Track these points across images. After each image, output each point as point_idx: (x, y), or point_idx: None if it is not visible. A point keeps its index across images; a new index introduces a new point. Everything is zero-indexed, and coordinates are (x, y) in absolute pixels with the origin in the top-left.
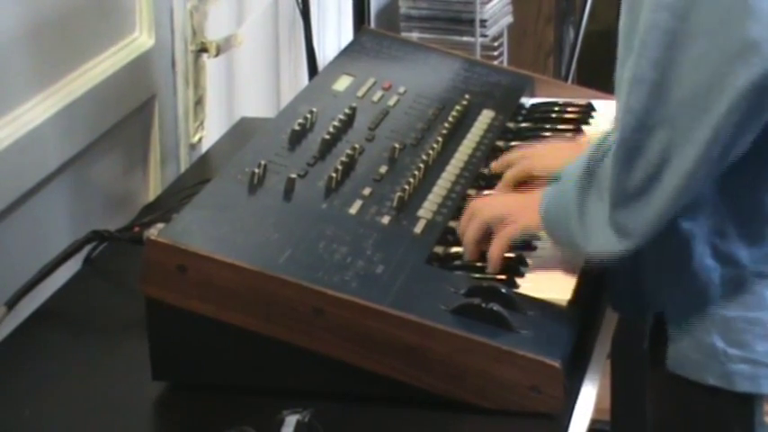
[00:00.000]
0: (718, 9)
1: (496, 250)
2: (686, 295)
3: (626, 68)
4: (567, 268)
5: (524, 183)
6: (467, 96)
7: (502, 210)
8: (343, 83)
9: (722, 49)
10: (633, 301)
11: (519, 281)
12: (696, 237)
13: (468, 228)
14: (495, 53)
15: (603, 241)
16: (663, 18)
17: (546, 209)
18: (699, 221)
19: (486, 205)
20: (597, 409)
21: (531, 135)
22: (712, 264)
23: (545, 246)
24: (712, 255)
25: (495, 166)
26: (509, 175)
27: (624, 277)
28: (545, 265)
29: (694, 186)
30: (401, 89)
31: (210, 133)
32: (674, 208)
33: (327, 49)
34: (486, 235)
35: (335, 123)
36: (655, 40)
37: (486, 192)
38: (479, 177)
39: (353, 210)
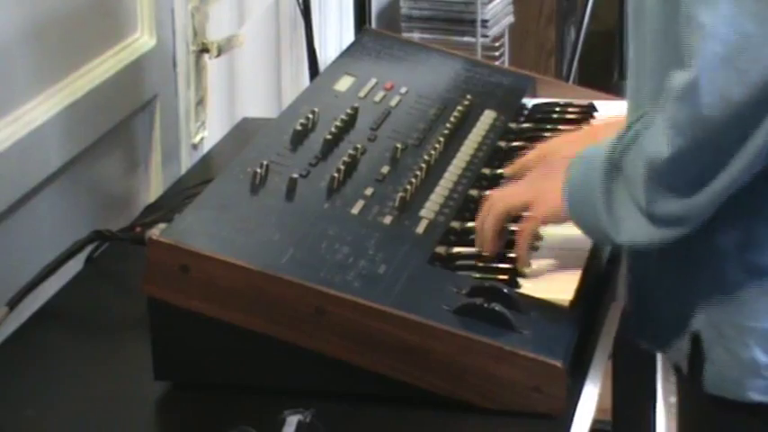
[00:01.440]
0: (757, 27)
1: (523, 247)
2: (721, 312)
3: (668, 84)
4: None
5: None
6: (468, 97)
7: (521, 198)
8: (344, 83)
9: (765, 65)
10: (654, 329)
11: (521, 281)
12: (727, 251)
13: (487, 220)
14: (497, 53)
15: (636, 230)
16: (702, 38)
17: (570, 200)
18: (728, 236)
19: (502, 197)
20: (599, 410)
21: (533, 135)
22: (745, 277)
23: (547, 246)
24: (744, 268)
25: (510, 170)
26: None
27: (644, 305)
28: (548, 265)
29: (740, 183)
30: (403, 89)
31: (212, 133)
32: (719, 202)
33: (329, 50)
34: (505, 227)
35: (337, 123)
36: (694, 62)
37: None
38: (481, 177)
39: (355, 210)
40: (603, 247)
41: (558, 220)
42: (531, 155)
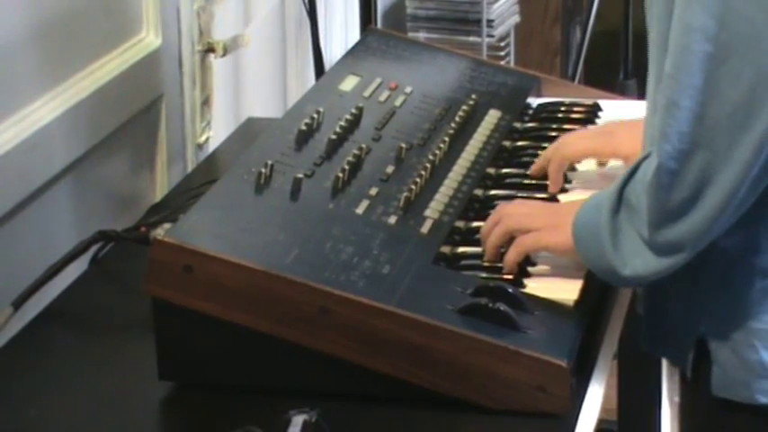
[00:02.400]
0: (748, 27)
1: (512, 258)
2: (727, 315)
3: (659, 93)
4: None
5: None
6: (473, 96)
7: (530, 224)
8: (349, 83)
9: (757, 66)
10: (661, 335)
11: (526, 281)
12: (733, 254)
13: (493, 233)
14: (502, 53)
15: (641, 264)
16: (694, 41)
17: (578, 236)
18: (734, 239)
19: (516, 215)
20: (604, 409)
21: (538, 135)
22: (751, 279)
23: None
24: (749, 270)
25: (534, 170)
26: (553, 173)
27: (652, 311)
28: (552, 265)
29: (737, 203)
30: (408, 89)
31: (217, 133)
32: (716, 224)
33: (334, 50)
34: (509, 241)
35: (342, 123)
36: (687, 63)
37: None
38: (486, 177)
39: (360, 210)
40: (612, 284)
41: (561, 252)
42: (548, 150)
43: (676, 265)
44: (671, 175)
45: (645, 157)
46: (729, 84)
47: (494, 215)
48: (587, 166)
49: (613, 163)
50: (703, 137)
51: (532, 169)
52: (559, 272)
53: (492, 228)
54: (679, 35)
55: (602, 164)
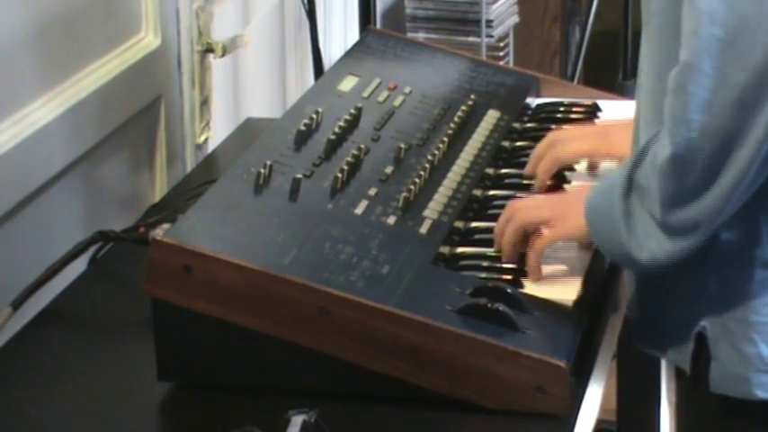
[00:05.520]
0: (755, 8)
1: (533, 261)
2: (726, 308)
3: (669, 78)
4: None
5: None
6: (472, 96)
7: (540, 215)
8: (348, 83)
9: (764, 46)
10: (659, 331)
11: (525, 281)
12: (732, 247)
13: (506, 231)
14: (501, 53)
15: (656, 246)
16: (702, 25)
17: (591, 224)
18: (733, 231)
19: (524, 208)
20: (603, 410)
21: (537, 135)
22: (750, 272)
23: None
24: (749, 262)
25: (528, 170)
26: (541, 173)
27: (649, 307)
28: (551, 266)
29: (749, 182)
30: (406, 89)
31: (216, 134)
32: (728, 204)
33: (333, 50)
34: (524, 237)
35: (341, 124)
36: (696, 48)
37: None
38: (485, 177)
39: (359, 210)
40: (630, 269)
41: (576, 239)
42: (540, 147)
43: (691, 247)
44: (683, 161)
45: (653, 139)
46: (738, 67)
47: (504, 214)
48: (585, 166)
49: (605, 164)
50: (713, 123)
51: (527, 169)
52: (558, 272)
53: (504, 227)
54: (689, 20)
55: (593, 167)
